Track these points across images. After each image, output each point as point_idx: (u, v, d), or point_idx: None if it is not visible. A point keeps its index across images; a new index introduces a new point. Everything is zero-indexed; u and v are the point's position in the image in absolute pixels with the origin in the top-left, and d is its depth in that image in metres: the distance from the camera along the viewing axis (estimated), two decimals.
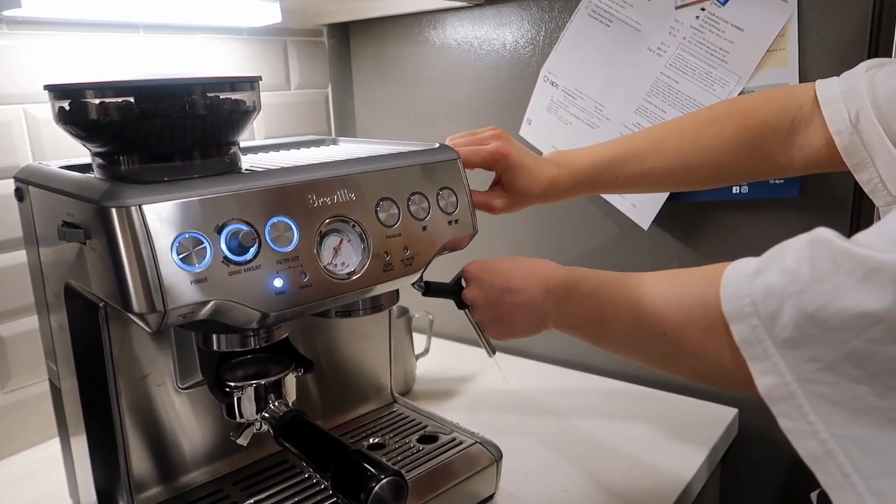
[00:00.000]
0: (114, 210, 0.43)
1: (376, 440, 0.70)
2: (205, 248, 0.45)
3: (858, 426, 0.33)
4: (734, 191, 0.80)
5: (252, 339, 0.54)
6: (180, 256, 0.44)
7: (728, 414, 0.82)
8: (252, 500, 0.59)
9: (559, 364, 0.98)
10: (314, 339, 0.71)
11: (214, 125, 0.50)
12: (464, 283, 0.65)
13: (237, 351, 0.55)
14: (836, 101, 0.60)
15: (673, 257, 0.87)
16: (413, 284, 0.62)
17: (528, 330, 0.61)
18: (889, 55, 0.69)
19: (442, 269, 0.66)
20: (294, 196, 0.50)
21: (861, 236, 0.34)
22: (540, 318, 0.59)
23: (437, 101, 1.04)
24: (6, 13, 0.70)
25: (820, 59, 0.73)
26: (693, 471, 0.70)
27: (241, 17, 0.92)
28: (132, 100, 0.46)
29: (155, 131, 0.48)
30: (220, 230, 0.46)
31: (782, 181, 0.77)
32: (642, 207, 0.86)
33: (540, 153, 0.84)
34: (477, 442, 0.67)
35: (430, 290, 0.66)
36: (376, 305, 0.60)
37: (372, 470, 0.47)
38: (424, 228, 0.57)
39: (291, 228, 0.49)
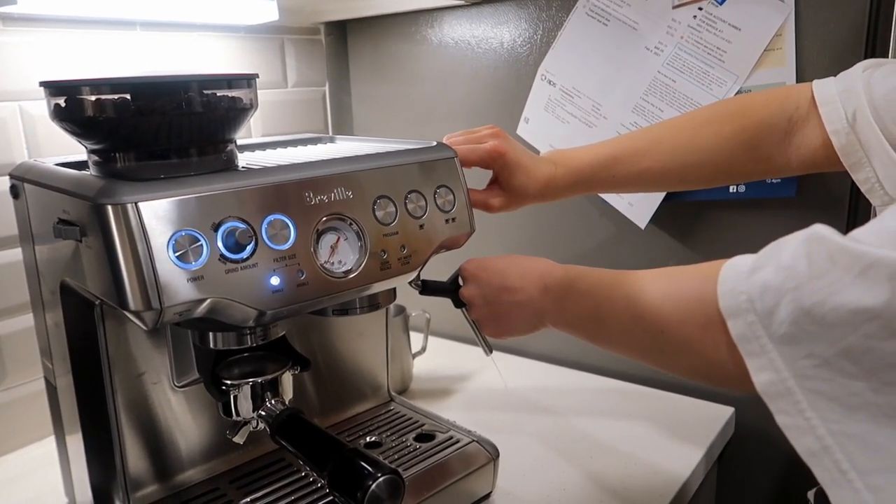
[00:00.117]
0: (110, 207, 0.43)
1: (373, 439, 0.70)
2: (201, 245, 0.45)
3: (855, 422, 0.33)
4: (731, 190, 0.80)
5: (248, 337, 0.54)
6: (176, 254, 0.44)
7: (725, 412, 0.82)
8: (249, 499, 0.59)
9: (556, 363, 0.99)
10: (311, 337, 0.70)
11: (211, 122, 0.50)
12: (461, 282, 0.65)
13: (234, 349, 0.55)
14: (833, 100, 0.60)
15: (670, 257, 0.87)
16: (410, 283, 0.62)
17: (526, 328, 0.61)
18: (886, 55, 0.70)
19: (439, 268, 0.66)
20: (291, 194, 0.50)
21: (858, 233, 0.34)
22: (537, 317, 0.59)
23: (434, 100, 1.04)
24: (2, 9, 0.69)
25: (817, 59, 0.73)
26: (690, 469, 0.70)
27: (239, 14, 0.92)
28: (128, 97, 0.46)
29: (151, 128, 0.47)
30: (216, 228, 0.46)
31: (779, 181, 0.77)
32: (639, 206, 0.86)
33: (537, 152, 0.84)
34: (474, 440, 0.67)
35: (427, 288, 0.66)
36: (373, 304, 0.60)
37: (369, 468, 0.47)
38: (422, 227, 0.57)
39: (288, 226, 0.49)
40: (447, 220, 0.59)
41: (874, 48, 0.71)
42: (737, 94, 0.77)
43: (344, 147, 0.71)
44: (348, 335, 0.74)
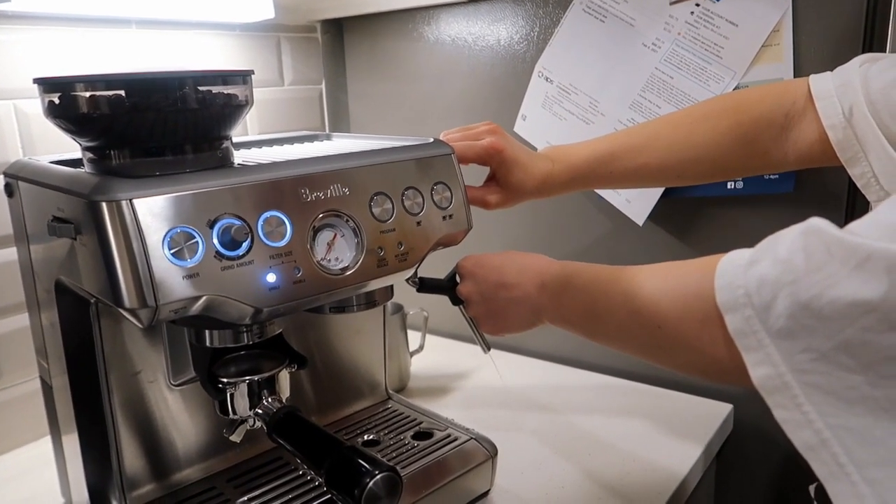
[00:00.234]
0: (104, 204, 0.42)
1: (371, 437, 0.69)
2: (197, 242, 0.44)
3: (853, 416, 0.33)
4: (729, 186, 0.80)
5: (245, 334, 0.54)
6: (172, 251, 0.43)
7: (723, 409, 0.82)
8: (246, 498, 0.59)
9: (554, 360, 0.98)
10: (308, 335, 0.70)
11: (206, 119, 0.49)
12: (458, 279, 0.65)
13: (230, 347, 0.55)
14: (829, 95, 0.60)
15: (668, 253, 0.87)
16: (407, 280, 0.62)
17: (523, 325, 0.61)
18: (883, 50, 0.70)
19: (437, 266, 0.66)
20: (287, 190, 0.49)
21: (855, 225, 0.34)
22: (535, 313, 0.59)
23: (431, 98, 1.04)
24: None
25: (814, 54, 0.73)
26: (689, 466, 0.70)
27: (234, 12, 0.91)
28: (123, 93, 0.46)
29: (146, 125, 0.47)
30: (212, 225, 0.45)
31: (777, 176, 0.77)
32: (637, 203, 0.86)
33: (535, 149, 0.84)
34: (472, 438, 0.67)
35: (424, 286, 0.66)
36: (370, 301, 0.59)
37: (366, 466, 0.47)
38: (419, 223, 0.57)
39: (284, 223, 0.49)
40: (444, 217, 0.59)
41: (871, 43, 0.71)
42: (734, 89, 0.77)
43: (340, 144, 0.71)
44: (345, 333, 0.74)
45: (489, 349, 0.68)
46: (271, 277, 0.48)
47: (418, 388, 0.92)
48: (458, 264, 0.65)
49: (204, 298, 0.45)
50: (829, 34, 0.72)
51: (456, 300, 0.65)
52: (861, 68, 0.59)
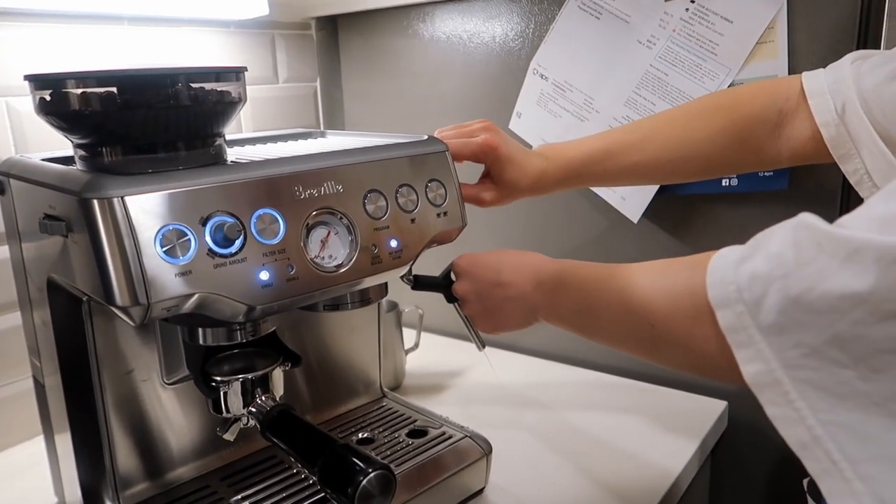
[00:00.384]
0: (96, 202, 0.42)
1: (365, 435, 0.69)
2: (189, 240, 0.44)
3: (845, 411, 0.32)
4: (724, 183, 0.80)
5: (238, 332, 0.53)
6: (164, 249, 0.43)
7: (718, 406, 0.82)
8: (239, 496, 0.59)
9: (549, 358, 0.98)
10: (302, 333, 0.70)
11: (199, 116, 0.49)
12: (453, 277, 0.65)
13: (223, 345, 0.55)
14: (822, 92, 0.60)
15: (662, 250, 0.87)
16: (402, 278, 0.62)
17: (519, 323, 0.61)
18: (878, 47, 0.70)
19: (431, 263, 0.66)
20: (280, 188, 0.49)
21: (845, 219, 0.34)
22: (530, 311, 0.59)
23: (426, 95, 1.04)
24: None
25: (809, 51, 0.73)
26: (683, 463, 0.70)
27: (228, 9, 0.91)
28: (115, 90, 0.45)
29: (138, 122, 0.47)
30: (204, 222, 0.45)
31: (772, 173, 0.77)
32: (632, 200, 0.86)
33: (529, 146, 0.84)
34: (466, 436, 0.67)
35: (419, 283, 0.66)
36: (365, 299, 0.59)
37: (360, 464, 0.47)
38: (413, 221, 0.57)
39: (278, 221, 0.48)
40: (439, 214, 0.59)
41: (866, 40, 0.71)
42: (729, 86, 0.77)
43: (334, 141, 0.71)
44: (340, 331, 0.74)
45: (484, 347, 0.68)
46: (264, 275, 0.47)
47: (413, 385, 0.92)
48: (454, 262, 0.64)
49: (196, 296, 0.45)
50: (824, 31, 0.72)
51: (451, 298, 0.65)
52: (853, 65, 0.59)
